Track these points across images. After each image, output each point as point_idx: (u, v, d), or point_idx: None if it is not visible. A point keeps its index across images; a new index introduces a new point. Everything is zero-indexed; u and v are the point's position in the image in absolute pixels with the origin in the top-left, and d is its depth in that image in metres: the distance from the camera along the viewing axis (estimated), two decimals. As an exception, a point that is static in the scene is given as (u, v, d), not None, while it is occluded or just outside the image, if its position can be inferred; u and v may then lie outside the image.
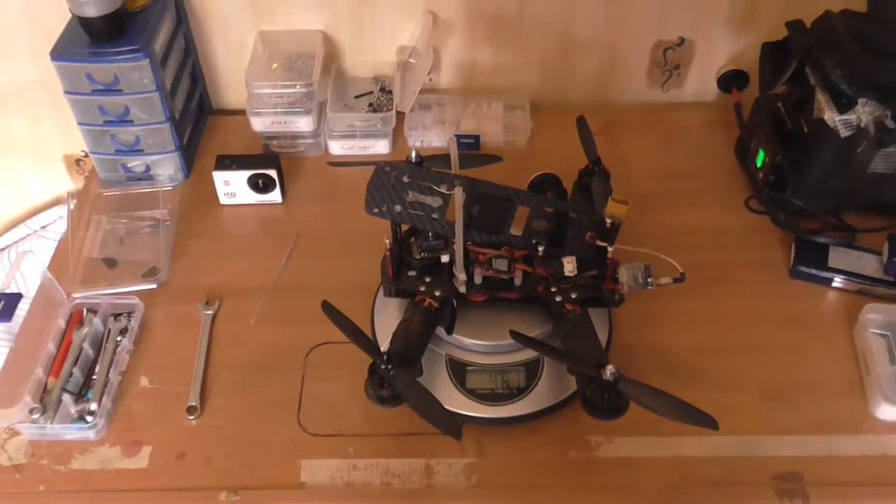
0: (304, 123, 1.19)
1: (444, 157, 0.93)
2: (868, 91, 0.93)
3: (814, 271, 1.02)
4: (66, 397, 0.89)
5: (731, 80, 1.27)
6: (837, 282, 1.01)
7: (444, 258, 0.86)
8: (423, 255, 0.89)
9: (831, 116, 0.96)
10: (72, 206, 1.13)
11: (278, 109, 1.18)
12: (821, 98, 0.98)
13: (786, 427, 0.88)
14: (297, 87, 1.17)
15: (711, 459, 0.85)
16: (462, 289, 0.86)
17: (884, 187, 1.03)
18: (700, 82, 1.31)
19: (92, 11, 1.01)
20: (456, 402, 0.86)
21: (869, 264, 1.01)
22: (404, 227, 0.91)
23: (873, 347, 0.91)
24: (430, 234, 0.88)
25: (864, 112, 0.94)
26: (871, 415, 0.89)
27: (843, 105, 0.95)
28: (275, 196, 1.14)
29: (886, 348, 0.92)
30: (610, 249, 0.84)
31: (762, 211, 1.11)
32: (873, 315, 0.94)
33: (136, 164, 1.16)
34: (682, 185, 1.16)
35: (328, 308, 0.81)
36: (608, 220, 0.85)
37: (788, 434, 0.87)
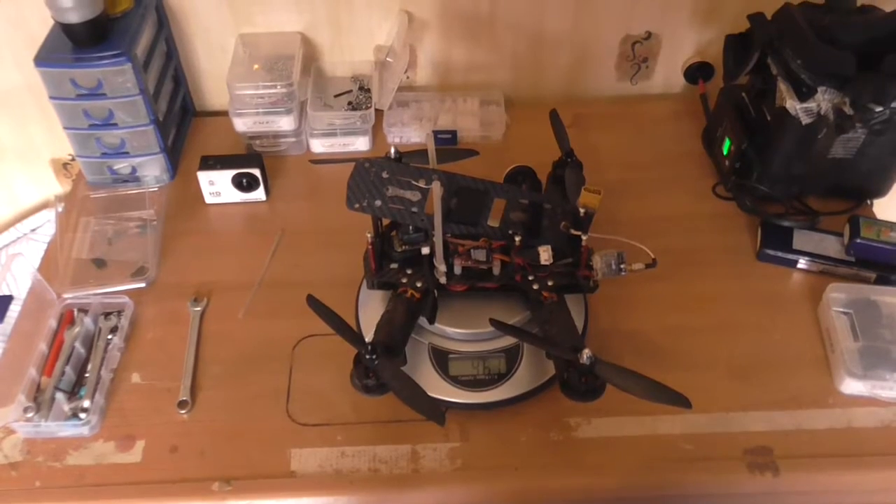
0: (285, 123, 1.20)
1: (422, 153, 0.94)
2: (827, 79, 0.95)
3: (779, 254, 1.04)
4: (60, 395, 0.89)
5: (697, 72, 1.29)
6: (802, 263, 1.03)
7: (425, 250, 0.87)
8: (404, 247, 0.90)
9: (792, 105, 0.98)
10: (60, 209, 1.14)
11: (260, 110, 1.18)
12: (782, 87, 0.99)
13: (755, 403, 0.90)
14: (278, 87, 1.17)
15: (685, 436, 0.87)
16: (442, 279, 0.87)
17: (844, 172, 1.06)
18: (667, 74, 1.32)
19: (74, 17, 1.01)
20: (439, 389, 0.87)
21: (831, 246, 1.03)
22: (385, 222, 0.92)
23: (837, 325, 0.93)
24: (411, 227, 0.89)
25: (824, 100, 0.96)
26: (835, 389, 0.91)
27: (804, 94, 0.97)
28: (259, 194, 1.15)
29: (849, 326, 0.94)
30: (584, 238, 0.85)
31: (729, 197, 1.12)
32: (836, 294, 0.97)
33: (122, 166, 1.16)
34: (651, 173, 1.18)
35: (313, 302, 0.82)
36: (581, 210, 0.86)
37: (758, 410, 0.89)
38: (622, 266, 0.86)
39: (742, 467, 0.85)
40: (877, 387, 0.90)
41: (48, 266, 1.06)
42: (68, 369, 0.93)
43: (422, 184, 0.89)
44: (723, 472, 0.86)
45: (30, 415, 0.88)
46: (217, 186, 1.13)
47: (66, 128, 1.11)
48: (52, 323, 0.97)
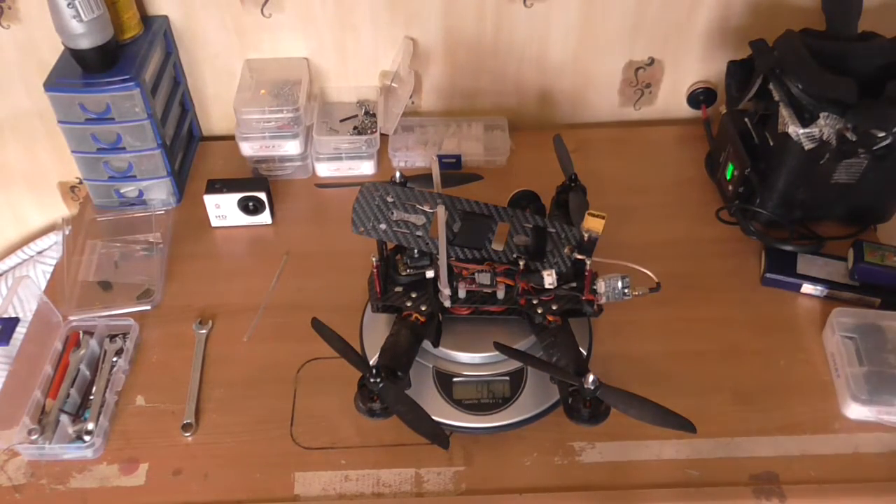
0: (291, 147, 1.20)
1: (426, 177, 0.95)
2: (829, 105, 0.95)
3: (783, 278, 1.04)
4: (64, 418, 0.89)
5: (700, 97, 1.30)
6: (806, 288, 1.03)
7: (429, 274, 0.87)
8: (408, 271, 0.90)
9: (795, 130, 0.98)
10: (67, 232, 1.14)
11: (266, 134, 1.19)
12: (784, 113, 1.00)
13: (760, 428, 0.89)
14: (284, 112, 1.18)
15: (690, 462, 0.87)
16: (447, 303, 0.87)
17: (847, 197, 1.05)
18: (670, 100, 1.33)
19: (84, 43, 1.02)
20: (443, 413, 0.87)
21: (835, 270, 1.03)
22: (390, 245, 0.92)
23: (842, 350, 0.93)
24: (415, 251, 0.89)
25: (826, 125, 0.96)
26: (841, 414, 0.91)
27: (806, 119, 0.97)
28: (264, 218, 1.15)
29: (854, 350, 0.94)
30: (588, 262, 0.86)
31: (732, 221, 1.12)
32: (841, 318, 0.96)
33: (129, 189, 1.17)
34: (655, 198, 1.18)
35: (318, 325, 0.82)
36: (585, 234, 0.87)
37: (763, 435, 0.89)
38: (626, 290, 0.86)
39: (748, 493, 0.84)
40: (882, 412, 0.89)
41: (54, 288, 1.07)
42: (73, 391, 0.93)
43: (426, 208, 0.90)
44: (728, 498, 0.85)
45: (34, 437, 0.88)
46: (223, 210, 1.14)
47: (74, 152, 1.12)
48: (58, 345, 0.97)
